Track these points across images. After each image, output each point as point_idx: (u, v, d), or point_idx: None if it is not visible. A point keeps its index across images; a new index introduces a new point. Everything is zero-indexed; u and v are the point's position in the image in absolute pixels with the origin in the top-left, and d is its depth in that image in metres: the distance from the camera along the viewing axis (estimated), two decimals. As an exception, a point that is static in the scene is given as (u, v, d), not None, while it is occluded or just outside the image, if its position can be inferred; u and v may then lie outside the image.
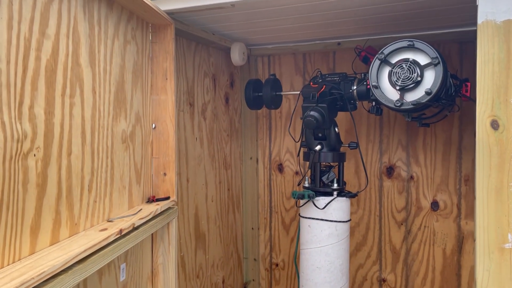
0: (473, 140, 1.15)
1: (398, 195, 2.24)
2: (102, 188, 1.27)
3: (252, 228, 2.57)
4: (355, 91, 1.71)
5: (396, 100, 1.45)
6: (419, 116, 1.71)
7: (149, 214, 1.39)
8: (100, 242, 1.10)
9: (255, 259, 2.59)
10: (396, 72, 1.45)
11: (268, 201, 2.55)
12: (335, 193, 1.70)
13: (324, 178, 1.75)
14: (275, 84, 2.08)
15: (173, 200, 1.59)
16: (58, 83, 1.07)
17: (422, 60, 1.43)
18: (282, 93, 2.10)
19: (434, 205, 2.17)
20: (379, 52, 1.49)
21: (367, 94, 1.67)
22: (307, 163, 1.87)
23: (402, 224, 2.24)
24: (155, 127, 1.60)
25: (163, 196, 1.59)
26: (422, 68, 1.42)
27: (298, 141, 1.86)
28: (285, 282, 2.55)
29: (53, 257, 0.96)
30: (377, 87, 1.49)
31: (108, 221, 1.29)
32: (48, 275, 0.90)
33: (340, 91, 1.73)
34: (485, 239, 1.10)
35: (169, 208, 1.56)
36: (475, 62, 1.12)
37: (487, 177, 1.10)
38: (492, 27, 1.09)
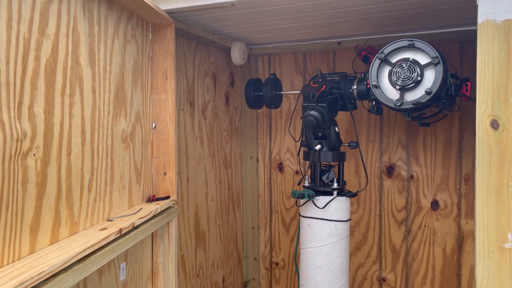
0: (473, 139, 1.15)
1: (398, 194, 2.24)
2: (102, 187, 1.27)
3: (252, 227, 2.57)
4: (355, 90, 1.71)
5: (396, 100, 1.45)
6: (419, 116, 1.71)
7: (149, 214, 1.39)
8: (100, 242, 1.10)
9: (255, 258, 2.59)
10: (396, 71, 1.45)
11: (268, 200, 2.55)
12: (335, 192, 1.70)
13: (324, 178, 1.75)
14: (275, 83, 2.08)
15: (173, 200, 1.59)
16: (58, 83, 1.07)
17: (422, 59, 1.43)
18: (282, 92, 2.09)
19: (434, 205, 2.17)
20: (379, 51, 1.49)
21: (367, 94, 1.67)
22: (307, 162, 1.87)
23: (402, 223, 2.24)
24: (155, 127, 1.60)
25: (163, 196, 1.59)
26: (422, 67, 1.42)
27: (298, 140, 1.86)
28: (285, 281, 2.55)
29: (52, 257, 0.96)
30: (377, 86, 1.49)
31: (108, 220, 1.29)
32: (48, 274, 0.90)
33: (340, 90, 1.73)
34: (485, 239, 1.10)
35: (169, 208, 1.56)
36: (475, 62, 1.12)
37: (487, 177, 1.10)
38: (492, 26, 1.09)
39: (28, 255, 0.97)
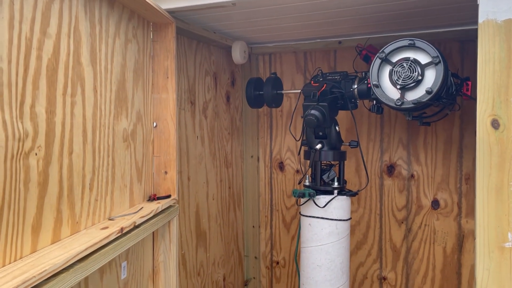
0: (474, 139, 1.15)
1: (399, 193, 2.24)
2: (103, 186, 1.27)
3: (253, 226, 2.58)
4: (356, 90, 1.71)
5: (397, 99, 1.45)
6: (419, 115, 1.71)
7: (150, 213, 1.40)
8: (101, 241, 1.10)
9: (256, 257, 2.59)
10: (397, 71, 1.45)
11: (269, 199, 2.55)
12: (335, 191, 1.70)
13: (324, 177, 1.75)
14: (276, 82, 2.08)
15: (174, 199, 1.59)
16: (60, 82, 1.07)
17: (423, 59, 1.43)
18: (283, 91, 2.10)
19: (435, 204, 2.17)
20: (380, 51, 1.49)
21: (368, 93, 1.67)
22: (308, 161, 1.87)
23: (402, 222, 2.24)
24: (156, 126, 1.60)
25: (164, 195, 1.59)
26: (423, 67, 1.42)
27: (299, 139, 1.87)
28: (286, 280, 2.56)
29: (54, 256, 0.96)
30: (378, 86, 1.49)
31: (109, 219, 1.29)
32: (50, 273, 0.90)
33: (341, 90, 1.73)
34: (485, 238, 1.10)
35: (170, 207, 1.56)
36: (476, 61, 1.12)
37: (488, 176, 1.10)
38: (493, 26, 1.09)
39: (30, 254, 0.98)
